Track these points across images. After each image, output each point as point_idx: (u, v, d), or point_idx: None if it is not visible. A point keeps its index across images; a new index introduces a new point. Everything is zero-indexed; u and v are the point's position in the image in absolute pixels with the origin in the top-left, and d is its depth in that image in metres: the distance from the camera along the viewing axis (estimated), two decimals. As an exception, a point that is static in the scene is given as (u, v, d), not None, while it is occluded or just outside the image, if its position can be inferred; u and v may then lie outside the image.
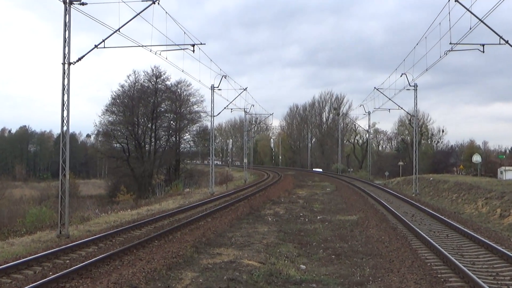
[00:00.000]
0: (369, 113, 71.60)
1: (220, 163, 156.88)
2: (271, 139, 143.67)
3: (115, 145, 78.88)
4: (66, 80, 20.17)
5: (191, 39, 29.23)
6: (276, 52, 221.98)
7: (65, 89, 20.14)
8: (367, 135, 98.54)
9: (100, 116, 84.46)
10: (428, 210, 28.17)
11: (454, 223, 22.27)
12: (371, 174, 76.78)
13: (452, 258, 14.48)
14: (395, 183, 59.85)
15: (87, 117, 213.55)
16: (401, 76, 41.54)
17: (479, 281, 12.05)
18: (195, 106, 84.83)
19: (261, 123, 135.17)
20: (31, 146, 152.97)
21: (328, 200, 36.65)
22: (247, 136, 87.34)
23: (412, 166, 50.04)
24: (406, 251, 16.59)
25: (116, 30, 21.31)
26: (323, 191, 45.66)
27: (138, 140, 75.76)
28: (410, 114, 68.65)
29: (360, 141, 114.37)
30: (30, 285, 11.48)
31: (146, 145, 78.56)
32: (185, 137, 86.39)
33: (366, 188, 47.35)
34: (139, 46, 23.39)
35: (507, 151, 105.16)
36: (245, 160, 71.19)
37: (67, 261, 14.82)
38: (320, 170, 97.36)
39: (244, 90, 49.94)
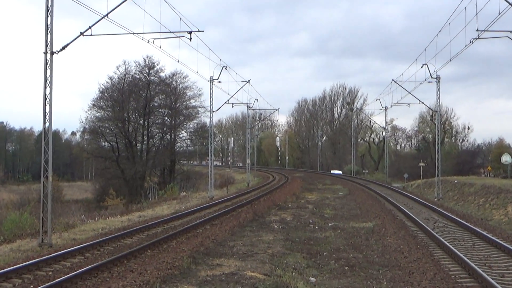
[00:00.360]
0: (386, 108, 71.53)
1: (220, 164, 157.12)
2: (277, 137, 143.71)
3: (103, 144, 79.09)
4: (48, 71, 20.19)
5: (188, 25, 29.27)
6: (282, 40, 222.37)
7: (48, 82, 20.17)
8: (384, 133, 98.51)
9: (86, 112, 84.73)
10: (452, 216, 28.12)
11: (481, 231, 22.23)
12: (388, 176, 76.70)
13: (479, 270, 14.45)
14: (415, 186, 59.72)
15: (72, 113, 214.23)
16: (422, 67, 41.50)
17: (510, 295, 12.02)
18: (192, 101, 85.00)
19: (266, 119, 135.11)
20: (9, 145, 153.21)
21: (341, 205, 36.61)
22: (250, 134, 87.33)
23: (434, 168, 49.97)
24: (428, 262, 16.56)
25: (104, 16, 21.33)
26: (334, 195, 45.61)
27: (129, 138, 75.88)
28: (432, 110, 68.52)
29: (376, 139, 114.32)
30: (9, 299, 11.50)
31: (137, 144, 78.73)
32: (181, 135, 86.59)
33: (382, 192, 47.31)
34: (130, 33, 23.41)
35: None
36: (248, 161, 71.15)
37: (50, 273, 14.85)
38: (339, 172, 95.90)
39: (247, 82, 49.94)
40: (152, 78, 79.42)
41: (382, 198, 41.20)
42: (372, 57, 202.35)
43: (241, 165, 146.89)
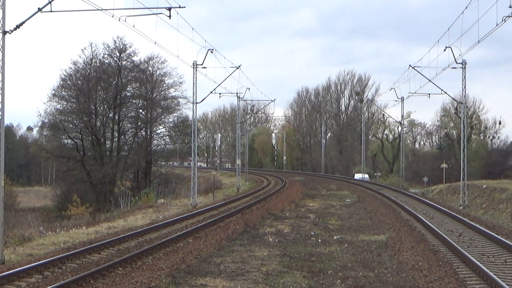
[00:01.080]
0: (402, 99, 71.69)
1: (205, 165, 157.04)
2: (273, 134, 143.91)
3: (66, 141, 78.94)
4: (0, 54, 20.10)
5: (166, 0, 29.07)
6: (281, 18, 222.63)
7: (-1, 67, 20.07)
8: (399, 129, 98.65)
9: (45, 103, 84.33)
10: (480, 227, 28.22)
11: (515, 245, 22.33)
12: (404, 180, 76.91)
13: (512, 291, 14.51)
14: (437, 192, 59.86)
15: (29, 104, 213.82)
16: (444, 50, 41.60)
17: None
18: (171, 90, 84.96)
19: (260, 112, 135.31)
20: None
21: (348, 214, 36.65)
22: (241, 130, 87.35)
23: (459, 170, 50.14)
24: (451, 281, 16.61)
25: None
26: (341, 203, 45.64)
27: (96, 135, 75.76)
28: (456, 101, 68.78)
29: (391, 136, 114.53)
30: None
31: (106, 142, 78.62)
32: (158, 131, 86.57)
33: (398, 199, 47.41)
34: (98, 9, 23.35)
35: None
36: (238, 162, 71.15)
37: (2, 295, 14.80)
38: (365, 176, 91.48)
39: (237, 68, 49.87)
40: (124, 63, 79.35)
41: (397, 206, 41.27)
42: (386, 39, 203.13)
43: (230, 166, 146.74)
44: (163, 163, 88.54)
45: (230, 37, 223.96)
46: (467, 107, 74.08)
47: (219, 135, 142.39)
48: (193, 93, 44.31)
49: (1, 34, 20.17)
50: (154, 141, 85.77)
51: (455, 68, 43.80)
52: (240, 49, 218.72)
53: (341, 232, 28.04)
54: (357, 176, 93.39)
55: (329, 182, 75.36)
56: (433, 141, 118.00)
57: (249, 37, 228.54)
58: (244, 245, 23.20)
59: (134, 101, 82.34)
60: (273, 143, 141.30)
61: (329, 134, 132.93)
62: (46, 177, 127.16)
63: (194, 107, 44.89)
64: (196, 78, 43.77)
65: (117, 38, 79.10)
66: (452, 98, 66.67)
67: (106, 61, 79.11)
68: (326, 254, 21.45)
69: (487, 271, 17.18)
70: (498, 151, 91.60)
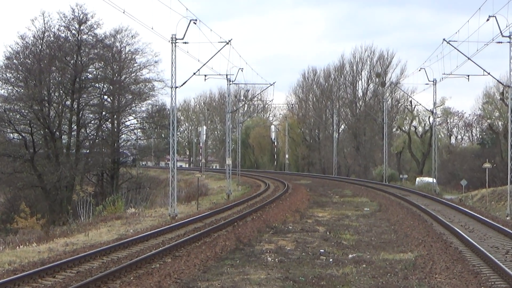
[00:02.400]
0: (434, 82, 71.66)
1: (187, 165, 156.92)
2: (272, 126, 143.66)
3: (11, 135, 78.68)
4: None
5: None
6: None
7: None
8: (431, 119, 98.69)
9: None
10: (533, 243, 28.24)
11: None
12: (437, 183, 76.97)
13: None
14: (478, 199, 59.90)
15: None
16: (487, 20, 41.57)
17: None
18: (144, 71, 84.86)
19: (256, 99, 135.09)
20: None
21: (367, 227, 36.63)
22: (232, 121, 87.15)
23: (505, 170, 50.17)
24: (496, 311, 16.61)
25: None
26: (358, 213, 45.61)
27: (50, 128, 75.54)
28: (502, 84, 68.81)
29: (420, 129, 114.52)
30: None
31: (63, 136, 78.37)
32: (128, 123, 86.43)
33: (429, 207, 47.41)
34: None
35: None
36: (228, 161, 71.02)
37: None
38: (429, 179, 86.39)
39: (227, 44, 49.72)
40: (85, 37, 79.16)
41: (428, 216, 41.26)
42: (417, 6, 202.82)
43: (218, 167, 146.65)
44: (134, 163, 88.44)
45: (219, 4, 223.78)
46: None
47: (205, 127, 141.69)
48: (172, 75, 44.18)
49: None
50: (123, 136, 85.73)
51: (501, 42, 43.79)
52: (231, 20, 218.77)
53: (357, 249, 28.01)
54: (420, 180, 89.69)
55: (343, 187, 75.32)
56: (474, 134, 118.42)
57: (242, 5, 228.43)
58: (236, 266, 23.16)
59: (97, 85, 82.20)
60: (273, 137, 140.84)
61: (342, 127, 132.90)
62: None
63: (173, 93, 44.79)
64: (175, 56, 43.67)
65: (76, 6, 78.34)
66: (497, 81, 66.47)
67: (62, 34, 78.97)
68: (339, 277, 21.44)
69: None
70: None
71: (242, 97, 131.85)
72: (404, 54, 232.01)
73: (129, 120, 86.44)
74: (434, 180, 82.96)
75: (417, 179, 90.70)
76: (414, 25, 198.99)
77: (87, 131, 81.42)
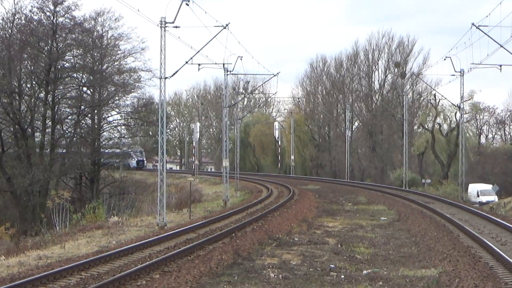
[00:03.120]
0: (462, 72, 71.69)
1: (178, 167, 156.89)
2: (276, 123, 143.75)
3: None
4: None
5: None
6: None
7: None
8: (458, 116, 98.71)
9: None
10: None
11: None
12: (465, 189, 76.95)
13: None
14: (511, 207, 59.89)
15: None
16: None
17: None
18: (129, 60, 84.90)
19: (257, 91, 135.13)
20: None
21: (384, 238, 36.65)
22: (229, 117, 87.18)
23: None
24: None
25: None
26: (373, 222, 45.62)
27: (21, 124, 75.53)
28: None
29: (445, 126, 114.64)
30: None
31: (36, 134, 78.33)
32: (110, 118, 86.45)
33: (455, 216, 47.41)
34: None
35: None
36: (226, 163, 71.03)
37: None
38: (489, 187, 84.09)
39: (224, 28, 49.68)
40: (61, 20, 79.12)
41: (455, 227, 41.25)
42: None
43: (213, 170, 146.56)
44: (117, 164, 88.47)
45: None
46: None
47: (198, 124, 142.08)
48: (160, 63, 44.18)
49: None
50: (105, 133, 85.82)
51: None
52: (230, 2, 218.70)
53: (373, 264, 28.02)
54: (474, 188, 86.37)
55: (357, 193, 75.30)
56: (507, 133, 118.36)
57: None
58: (233, 283, 23.17)
59: (75, 75, 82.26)
60: (276, 136, 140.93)
61: (356, 124, 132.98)
62: None
63: (162, 84, 44.78)
64: (164, 42, 43.66)
65: (51, -17, 78.42)
66: (534, 72, 66.52)
67: (35, 17, 79.00)
68: (352, 297, 21.44)
69: None
70: None
71: (241, 90, 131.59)
72: (427, 40, 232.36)
73: (111, 116, 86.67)
74: (492, 187, 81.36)
75: (470, 186, 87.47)
76: (440, 8, 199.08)
77: (64, 128, 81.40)
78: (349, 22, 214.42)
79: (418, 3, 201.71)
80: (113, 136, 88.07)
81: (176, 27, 43.58)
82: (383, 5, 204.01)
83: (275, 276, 24.53)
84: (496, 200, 79.00)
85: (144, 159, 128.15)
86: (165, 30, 43.40)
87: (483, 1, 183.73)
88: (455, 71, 71.38)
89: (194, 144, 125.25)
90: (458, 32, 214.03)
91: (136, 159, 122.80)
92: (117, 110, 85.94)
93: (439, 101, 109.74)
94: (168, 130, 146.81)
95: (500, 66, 58.66)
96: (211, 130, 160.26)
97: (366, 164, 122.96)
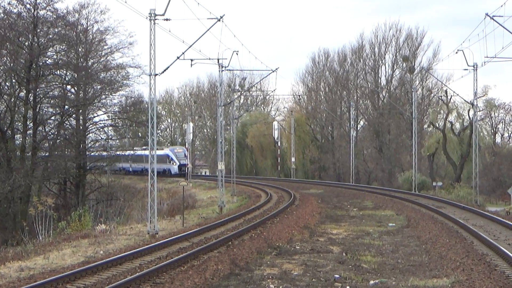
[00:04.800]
0: (475, 66, 71.78)
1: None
2: (275, 123, 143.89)
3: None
4: None
5: None
6: None
7: None
8: (471, 113, 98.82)
9: None
10: None
11: None
12: (479, 192, 77.03)
13: None
14: (530, 211, 59.99)
15: None
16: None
17: None
18: (116, 55, 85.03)
19: (255, 89, 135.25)
20: None
21: (392, 246, 36.75)
22: (225, 116, 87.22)
23: None
24: None
25: None
26: (381, 229, 45.75)
27: (0, 125, 75.67)
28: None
29: (458, 125, 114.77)
30: None
31: (16, 136, 78.36)
32: (96, 119, 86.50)
33: (469, 222, 47.48)
34: None
35: None
36: (221, 166, 71.13)
37: None
38: None
39: (219, 20, 49.77)
40: (42, 13, 79.13)
41: (468, 233, 41.32)
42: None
43: (208, 173, 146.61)
44: (104, 168, 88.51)
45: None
46: None
47: (191, 124, 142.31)
48: (150, 59, 44.26)
49: None
50: (91, 135, 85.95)
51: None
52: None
53: (381, 274, 28.12)
54: None
55: (363, 197, 75.43)
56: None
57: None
58: (230, 295, 23.26)
59: (58, 72, 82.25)
60: (276, 136, 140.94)
61: (361, 123, 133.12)
62: None
63: (152, 81, 44.87)
64: (154, 36, 43.73)
65: (32, -27, 78.47)
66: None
67: (14, 10, 78.95)
68: (358, 309, 21.53)
69: None
70: None
71: (237, 87, 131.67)
72: (437, 33, 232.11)
73: (97, 116, 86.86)
74: (509, 190, 79.52)
75: None
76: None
77: (46, 129, 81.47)
78: (354, 13, 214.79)
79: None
80: (100, 138, 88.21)
81: (166, 19, 43.65)
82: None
83: (275, 287, 24.61)
84: None
85: (188, 162, 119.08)
86: (154, 23, 43.46)
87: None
88: (468, 65, 71.40)
89: (187, 146, 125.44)
90: (472, 23, 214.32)
91: (178, 163, 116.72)
92: (103, 109, 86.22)
93: (450, 97, 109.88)
94: (159, 131, 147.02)
95: (516, 60, 58.78)
96: (205, 130, 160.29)
97: (373, 166, 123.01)
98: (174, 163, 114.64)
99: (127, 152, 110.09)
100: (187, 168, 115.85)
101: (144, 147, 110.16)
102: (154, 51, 44.13)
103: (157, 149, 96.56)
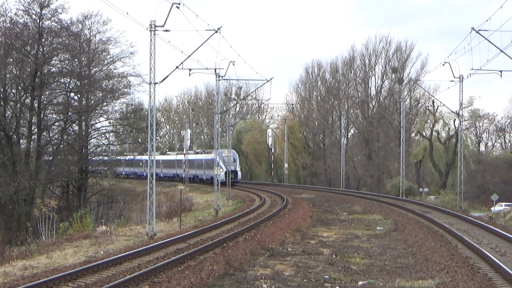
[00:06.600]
0: (461, 78, 71.84)
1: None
2: (269, 130, 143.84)
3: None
4: None
5: None
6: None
7: None
8: (457, 123, 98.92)
9: None
10: None
11: None
12: (464, 198, 77.05)
13: None
14: (511, 217, 60.01)
15: None
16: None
17: None
18: (118, 64, 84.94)
19: (250, 97, 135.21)
20: None
21: (380, 249, 36.75)
22: (221, 123, 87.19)
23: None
24: None
25: None
26: (369, 232, 45.74)
27: (6, 131, 75.44)
28: (540, 82, 68.82)
29: (444, 134, 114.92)
30: None
31: (21, 141, 78.22)
32: (98, 125, 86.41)
33: (453, 226, 47.52)
34: None
35: None
36: (217, 171, 71.24)
37: None
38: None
39: (216, 32, 49.79)
40: (47, 23, 79.01)
41: (453, 237, 41.35)
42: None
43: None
44: (105, 172, 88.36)
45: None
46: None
47: (189, 131, 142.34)
48: (150, 68, 44.23)
49: None
50: (93, 140, 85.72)
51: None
52: (223, 5, 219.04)
53: (369, 275, 28.11)
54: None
55: (352, 202, 75.41)
56: (507, 141, 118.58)
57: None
58: (225, 295, 23.25)
59: (62, 80, 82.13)
60: (270, 143, 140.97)
61: (352, 131, 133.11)
62: None
63: (152, 90, 44.84)
64: (154, 46, 43.72)
65: (37, -14, 78.37)
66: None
67: (21, 20, 78.84)
68: (346, 308, 21.53)
69: None
70: None
71: (233, 96, 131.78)
72: (426, 45, 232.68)
73: (99, 122, 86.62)
74: (492, 197, 79.37)
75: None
76: (446, 11, 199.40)
77: (50, 135, 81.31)
78: (346, 26, 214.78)
79: (417, 7, 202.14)
80: (101, 143, 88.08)
81: (166, 30, 43.65)
82: (381, 9, 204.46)
83: (268, 287, 24.60)
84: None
85: (238, 169, 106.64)
86: (154, 34, 43.46)
87: (484, 4, 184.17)
88: (454, 77, 71.46)
89: (184, 152, 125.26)
90: (459, 37, 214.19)
91: (225, 170, 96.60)
92: (105, 116, 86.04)
93: (437, 107, 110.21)
94: (158, 137, 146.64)
95: (501, 71, 58.83)
96: (202, 137, 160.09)
97: (362, 172, 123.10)
98: (221, 169, 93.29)
99: (160, 158, 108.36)
100: (237, 175, 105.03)
101: (197, 151, 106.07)
102: (154, 61, 44.13)
103: (207, 152, 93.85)
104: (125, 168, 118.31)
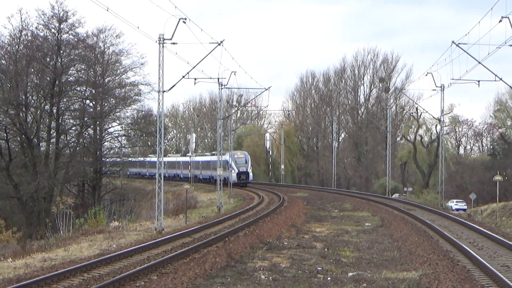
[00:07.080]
0: (442, 87, 71.79)
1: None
2: (267, 134, 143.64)
3: (-16, 142, 78.54)
4: None
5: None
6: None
7: None
8: (438, 128, 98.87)
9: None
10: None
11: None
12: (444, 197, 76.95)
13: None
14: (488, 214, 59.96)
15: None
16: (500, 21, 41.64)
17: None
18: (130, 74, 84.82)
19: (250, 104, 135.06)
20: None
21: (368, 243, 36.68)
22: (223, 128, 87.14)
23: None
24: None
25: None
26: (358, 228, 45.65)
27: (27, 134, 75.40)
28: (515, 91, 68.82)
29: (426, 138, 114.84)
30: None
31: (41, 144, 78.18)
32: (111, 130, 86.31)
33: (435, 223, 47.46)
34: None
35: None
36: (220, 172, 71.12)
37: None
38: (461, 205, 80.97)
39: (219, 45, 49.73)
40: (65, 36, 79.10)
41: (434, 233, 41.30)
42: (436, 4, 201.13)
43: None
44: (118, 172, 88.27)
45: (212, 2, 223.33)
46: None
47: (194, 135, 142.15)
48: (159, 78, 44.22)
49: None
50: (106, 143, 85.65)
51: (514, 46, 43.88)
52: (226, 19, 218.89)
53: (358, 267, 28.07)
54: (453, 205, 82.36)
55: (343, 200, 75.28)
56: (484, 144, 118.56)
57: (239, 2, 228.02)
58: (226, 284, 23.18)
59: (78, 88, 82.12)
60: (267, 146, 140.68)
61: (342, 135, 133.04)
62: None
63: (160, 97, 44.81)
64: (162, 57, 43.70)
65: (56, 2, 77.98)
66: (510, 87, 66.67)
67: (41, 33, 78.92)
68: (337, 297, 21.47)
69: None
70: None
71: (234, 103, 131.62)
72: (410, 57, 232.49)
73: (112, 127, 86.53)
74: (470, 195, 79.76)
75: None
76: (433, 26, 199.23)
77: (67, 138, 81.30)
78: (338, 39, 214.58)
79: (415, 20, 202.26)
80: (114, 146, 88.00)
81: (173, 43, 43.64)
82: (370, 24, 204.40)
83: (266, 278, 24.56)
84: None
85: (250, 170, 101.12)
86: (163, 46, 43.45)
87: (464, 19, 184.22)
88: (436, 86, 71.48)
89: (190, 154, 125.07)
90: (441, 50, 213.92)
91: (237, 171, 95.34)
92: (117, 121, 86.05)
93: (420, 114, 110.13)
94: (166, 141, 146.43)
95: (478, 81, 58.85)
96: (206, 140, 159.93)
97: (352, 173, 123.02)
98: (233, 171, 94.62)
99: (179, 159, 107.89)
100: (248, 176, 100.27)
101: (213, 152, 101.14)
102: (162, 71, 44.13)
103: (222, 154, 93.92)
104: (141, 169, 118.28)
